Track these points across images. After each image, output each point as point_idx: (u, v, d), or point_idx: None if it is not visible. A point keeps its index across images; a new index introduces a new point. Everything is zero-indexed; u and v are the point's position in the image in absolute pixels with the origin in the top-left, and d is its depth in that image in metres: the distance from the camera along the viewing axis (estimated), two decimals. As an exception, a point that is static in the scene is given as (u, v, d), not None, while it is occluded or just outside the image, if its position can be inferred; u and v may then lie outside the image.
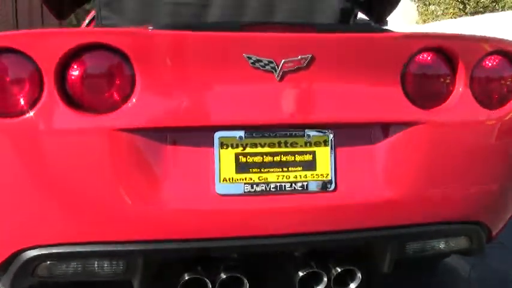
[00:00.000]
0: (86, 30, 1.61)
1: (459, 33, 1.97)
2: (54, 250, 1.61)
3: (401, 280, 2.23)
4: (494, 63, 1.81)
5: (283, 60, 1.58)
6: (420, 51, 1.71)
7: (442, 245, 1.89)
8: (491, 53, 1.80)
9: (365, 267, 1.83)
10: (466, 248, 1.93)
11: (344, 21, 2.55)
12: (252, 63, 1.57)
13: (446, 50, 1.73)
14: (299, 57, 1.59)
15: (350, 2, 2.56)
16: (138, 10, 2.40)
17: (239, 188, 1.63)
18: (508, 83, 1.83)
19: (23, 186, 1.58)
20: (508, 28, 7.17)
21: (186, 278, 1.71)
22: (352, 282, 1.83)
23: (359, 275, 1.81)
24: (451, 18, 9.12)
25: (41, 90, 1.54)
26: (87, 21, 3.00)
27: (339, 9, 2.55)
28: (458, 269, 2.51)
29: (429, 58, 1.73)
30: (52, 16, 2.58)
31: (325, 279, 1.79)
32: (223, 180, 1.62)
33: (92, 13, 2.93)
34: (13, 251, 1.61)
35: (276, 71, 1.58)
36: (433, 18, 9.31)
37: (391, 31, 1.72)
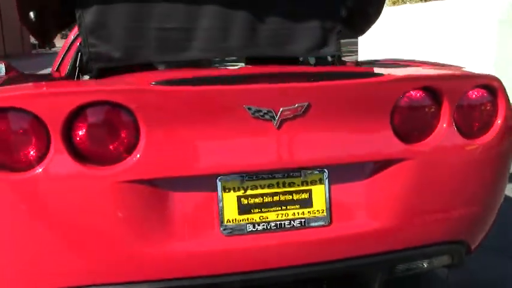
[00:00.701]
0: (90, 89, 1.65)
1: (443, 69, 2.09)
2: None
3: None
4: (476, 96, 1.94)
5: (281, 109, 1.67)
6: (407, 92, 1.82)
7: (426, 264, 2.04)
8: (473, 88, 1.93)
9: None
10: (447, 264, 2.09)
11: (326, 42, 2.65)
12: (252, 113, 1.66)
13: (432, 89, 1.85)
14: (296, 105, 1.69)
15: (331, 21, 2.65)
16: (125, 37, 2.44)
17: (242, 228, 1.73)
18: (487, 113, 1.97)
19: (36, 235, 1.65)
20: (475, 12, 7.44)
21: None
22: None
23: None
24: (421, 2, 9.30)
25: (48, 145, 1.60)
26: (72, 37, 3.00)
27: (321, 32, 2.65)
28: (436, 272, 2.67)
29: (416, 98, 1.85)
30: None
31: (321, 303, 1.92)
32: (227, 222, 1.73)
33: (76, 30, 2.95)
34: None
35: (274, 119, 1.68)
36: (403, 1, 9.45)
37: (381, 75, 1.82)
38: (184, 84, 1.65)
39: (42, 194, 1.62)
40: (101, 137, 1.65)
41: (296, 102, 1.68)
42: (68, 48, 3.00)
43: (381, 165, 1.83)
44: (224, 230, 1.73)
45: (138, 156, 1.64)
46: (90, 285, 1.69)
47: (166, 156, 1.65)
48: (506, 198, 2.22)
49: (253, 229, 1.75)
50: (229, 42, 2.58)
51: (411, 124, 1.87)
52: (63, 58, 2.98)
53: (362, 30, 3.04)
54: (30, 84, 1.77)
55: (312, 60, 3.07)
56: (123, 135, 1.65)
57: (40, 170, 1.60)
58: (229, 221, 1.73)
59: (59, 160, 1.61)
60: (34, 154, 1.61)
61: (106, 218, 1.65)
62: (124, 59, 2.45)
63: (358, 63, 2.96)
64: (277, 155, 1.73)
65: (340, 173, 1.82)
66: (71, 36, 3.02)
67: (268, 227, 1.76)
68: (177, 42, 2.53)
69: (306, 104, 1.69)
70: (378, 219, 1.84)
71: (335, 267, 1.86)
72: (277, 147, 1.72)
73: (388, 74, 1.84)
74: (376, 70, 2.06)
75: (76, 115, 1.61)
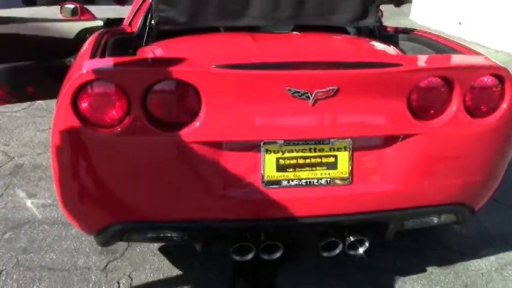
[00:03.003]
0: (162, 69, 2.05)
1: (458, 58, 2.39)
2: (137, 225, 2.20)
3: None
4: (485, 82, 2.26)
5: (315, 91, 2.06)
6: (424, 79, 2.16)
7: (435, 220, 2.44)
8: (482, 76, 2.25)
9: (371, 236, 2.40)
10: (454, 221, 2.49)
11: (367, 14, 2.97)
12: (292, 93, 2.05)
13: (446, 77, 2.18)
14: (327, 88, 2.06)
15: None
16: (190, 4, 2.84)
17: (279, 183, 2.17)
18: (494, 97, 2.29)
19: (117, 180, 2.13)
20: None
21: (237, 244, 2.29)
22: (361, 247, 2.41)
23: (366, 243, 2.39)
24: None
25: (129, 110, 2.04)
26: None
27: (362, 4, 2.97)
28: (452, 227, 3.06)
29: (430, 85, 2.19)
30: None
31: (341, 245, 2.36)
32: (267, 177, 2.16)
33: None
34: (108, 223, 2.20)
35: (309, 99, 2.06)
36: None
37: (401, 64, 2.15)
38: (239, 68, 2.04)
39: (125, 147, 2.07)
40: (170, 105, 2.08)
41: (328, 86, 2.06)
42: (140, 4, 3.38)
43: (396, 138, 2.21)
44: (264, 183, 2.16)
45: (200, 120, 2.06)
46: (160, 221, 2.18)
47: (222, 124, 2.07)
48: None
49: (287, 184, 2.18)
50: (280, 12, 2.94)
51: (425, 105, 2.21)
52: (135, 14, 3.38)
53: (401, 2, 3.31)
54: (117, 59, 2.19)
55: (352, 30, 3.38)
56: (188, 106, 2.07)
57: (123, 128, 2.04)
58: (269, 177, 2.16)
59: (137, 122, 2.04)
60: (119, 116, 2.06)
61: (172, 168, 2.10)
62: (188, 23, 2.86)
63: (395, 34, 3.24)
64: (311, 127, 2.12)
65: (362, 143, 2.21)
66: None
67: (300, 183, 2.18)
68: (234, 10, 2.92)
69: (336, 87, 2.06)
70: (390, 182, 2.23)
71: (353, 219, 2.29)
72: (311, 121, 2.11)
73: (407, 64, 2.17)
74: (399, 57, 2.39)
75: (152, 87, 2.03)
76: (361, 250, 2.41)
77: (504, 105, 2.28)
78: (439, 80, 2.20)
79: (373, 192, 2.24)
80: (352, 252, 2.41)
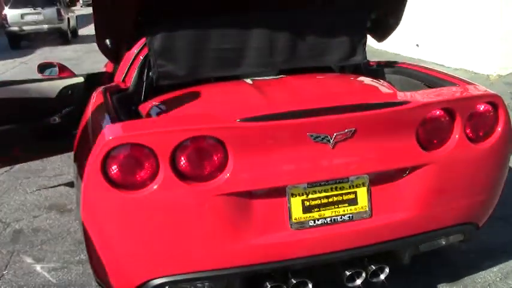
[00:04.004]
0: (190, 128, 2.16)
1: (456, 90, 2.60)
2: (173, 279, 2.27)
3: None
4: (482, 110, 2.48)
5: (335, 134, 2.21)
6: (429, 113, 2.36)
7: (444, 241, 2.62)
8: (479, 104, 2.46)
9: (390, 262, 2.55)
10: (460, 240, 2.67)
11: (355, 52, 3.17)
12: (313, 138, 2.20)
13: (448, 109, 2.38)
14: (346, 130, 2.22)
15: (359, 34, 3.17)
16: (189, 58, 2.97)
17: (306, 224, 2.29)
18: (490, 122, 2.50)
19: (153, 236, 2.21)
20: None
21: (269, 285, 2.39)
22: (382, 274, 2.54)
23: (387, 269, 2.53)
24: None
25: (158, 170, 2.13)
26: (135, 51, 3.48)
27: (350, 44, 3.18)
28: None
29: (435, 117, 2.38)
30: None
31: (364, 274, 2.50)
32: (295, 219, 2.28)
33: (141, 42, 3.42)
34: (147, 279, 2.27)
35: (330, 142, 2.22)
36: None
37: (408, 102, 2.34)
38: (263, 120, 2.17)
39: (157, 204, 2.16)
40: (198, 161, 2.18)
41: (346, 128, 2.22)
42: (132, 61, 3.48)
43: (409, 169, 2.38)
44: (292, 225, 2.28)
45: (228, 175, 2.18)
46: (196, 272, 2.26)
47: (249, 174, 2.19)
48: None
49: (314, 224, 2.31)
50: (274, 58, 3.11)
51: (431, 136, 2.40)
52: (128, 70, 3.47)
53: (383, 38, 3.54)
54: (138, 122, 2.29)
55: (336, 67, 3.58)
56: (215, 159, 2.19)
57: (155, 187, 2.14)
58: (296, 219, 2.29)
59: (167, 179, 2.14)
60: (147, 176, 2.15)
61: (202, 220, 2.20)
62: (187, 75, 2.99)
63: (380, 69, 3.46)
64: (332, 168, 2.27)
65: (378, 177, 2.37)
66: (134, 50, 3.50)
67: (325, 222, 2.32)
68: (231, 60, 3.06)
69: (353, 129, 2.23)
70: (406, 211, 2.40)
71: (374, 249, 2.43)
72: (332, 162, 2.26)
73: (414, 101, 2.36)
74: (402, 94, 2.58)
75: (178, 147, 2.14)
76: (382, 277, 2.55)
77: (499, 128, 2.50)
78: (442, 112, 2.39)
79: (391, 222, 2.40)
80: (374, 280, 2.55)
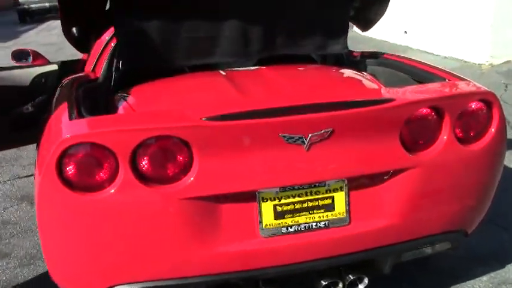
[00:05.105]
0: (152, 127, 1.98)
1: (446, 87, 2.40)
2: (135, 286, 2.09)
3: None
4: (473, 109, 2.28)
5: (310, 135, 2.02)
6: (414, 112, 2.16)
7: (429, 250, 2.44)
8: (471, 102, 2.26)
9: (370, 272, 2.37)
10: (447, 248, 2.48)
11: (335, 41, 2.98)
12: (286, 140, 2.00)
13: (436, 107, 2.18)
14: (322, 131, 2.03)
15: (341, 21, 2.98)
16: (159, 47, 2.78)
17: (278, 231, 2.11)
18: (483, 122, 2.30)
19: (111, 241, 2.03)
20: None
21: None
22: (360, 284, 2.37)
23: (366, 280, 2.36)
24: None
25: (118, 170, 1.95)
26: (107, 38, 3.28)
27: (330, 31, 2.99)
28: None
29: (421, 116, 2.19)
30: None
31: (341, 284, 2.32)
32: (266, 226, 2.10)
33: (108, 31, 3.23)
34: (108, 285, 2.09)
35: (304, 143, 2.02)
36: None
37: (392, 100, 2.14)
38: (229, 119, 1.97)
39: (116, 209, 1.98)
40: (160, 162, 1.99)
41: (322, 129, 2.03)
42: (102, 50, 3.29)
43: (391, 173, 2.19)
44: (263, 232, 2.10)
45: (192, 178, 1.99)
46: (158, 280, 2.08)
47: (216, 177, 2.01)
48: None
49: (286, 231, 2.12)
50: (250, 47, 2.92)
51: (416, 137, 2.21)
52: (97, 59, 3.28)
53: (367, 27, 3.34)
54: (98, 119, 2.10)
55: (317, 57, 3.38)
56: (179, 160, 2.00)
57: (113, 189, 1.96)
58: (267, 225, 2.10)
59: (126, 181, 1.96)
60: (107, 177, 1.97)
61: (165, 225, 2.02)
62: (157, 64, 2.83)
63: (363, 60, 3.25)
64: (306, 172, 2.08)
65: (357, 181, 2.18)
66: (105, 38, 3.30)
67: (299, 229, 2.13)
68: (204, 48, 2.87)
69: (330, 129, 2.03)
70: (388, 218, 2.21)
71: (352, 258, 2.25)
72: (306, 165, 2.07)
73: (398, 98, 2.16)
74: (385, 90, 2.39)
75: (139, 146, 1.95)
76: (361, 287, 2.38)
77: (492, 129, 2.31)
78: (429, 110, 2.20)
79: (371, 230, 2.21)
80: (352, 291, 2.37)
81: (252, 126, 1.99)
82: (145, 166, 1.98)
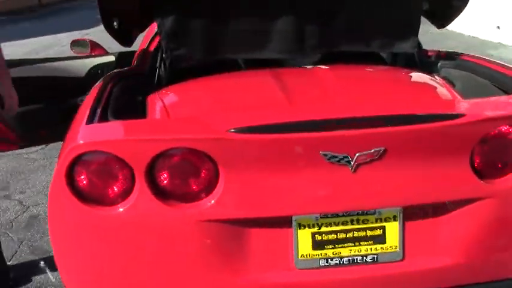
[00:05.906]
0: (171, 137, 1.73)
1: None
2: None
3: None
4: None
5: (357, 154, 1.69)
6: (489, 132, 1.77)
7: None
8: None
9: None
10: None
11: (404, 38, 2.60)
12: (328, 158, 1.68)
13: None
14: (372, 150, 1.69)
15: (411, 15, 2.60)
16: (205, 38, 2.53)
17: (316, 263, 1.80)
18: None
19: (126, 263, 1.80)
20: None
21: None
22: None
23: None
24: None
25: (133, 184, 1.71)
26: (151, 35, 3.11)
27: (399, 27, 2.61)
28: None
29: (500, 136, 1.79)
30: None
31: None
32: (301, 256, 1.80)
33: (153, 28, 3.03)
34: None
35: (350, 164, 1.70)
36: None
37: (463, 115, 1.76)
38: (259, 132, 1.68)
39: (128, 228, 1.76)
40: (181, 177, 1.74)
41: (372, 148, 1.69)
42: (149, 43, 3.11)
43: (458, 204, 1.82)
44: (298, 263, 1.80)
45: (216, 198, 1.72)
46: None
47: (244, 198, 1.73)
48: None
49: (326, 263, 1.81)
50: (305, 42, 2.60)
51: (491, 162, 1.82)
52: (144, 53, 3.10)
53: (443, 24, 2.92)
54: (115, 125, 1.87)
55: (388, 56, 3.00)
56: (202, 176, 1.73)
57: (127, 206, 1.72)
58: (303, 256, 1.80)
59: (142, 197, 1.72)
60: (121, 192, 1.74)
61: (183, 250, 1.77)
62: (204, 58, 2.61)
63: (438, 61, 2.85)
64: (352, 198, 1.76)
65: (415, 211, 1.83)
66: (154, 30, 3.11)
67: (341, 262, 1.81)
68: (254, 42, 2.59)
69: (382, 148, 1.69)
70: (451, 255, 1.84)
71: None
72: (353, 190, 1.75)
73: (471, 113, 1.78)
74: (458, 103, 2.00)
75: (157, 158, 1.70)
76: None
77: None
78: (509, 129, 1.80)
79: (429, 268, 1.85)
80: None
81: (285, 142, 1.69)
82: (164, 181, 1.73)
